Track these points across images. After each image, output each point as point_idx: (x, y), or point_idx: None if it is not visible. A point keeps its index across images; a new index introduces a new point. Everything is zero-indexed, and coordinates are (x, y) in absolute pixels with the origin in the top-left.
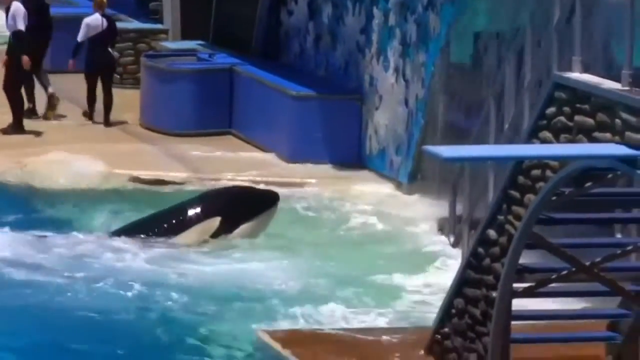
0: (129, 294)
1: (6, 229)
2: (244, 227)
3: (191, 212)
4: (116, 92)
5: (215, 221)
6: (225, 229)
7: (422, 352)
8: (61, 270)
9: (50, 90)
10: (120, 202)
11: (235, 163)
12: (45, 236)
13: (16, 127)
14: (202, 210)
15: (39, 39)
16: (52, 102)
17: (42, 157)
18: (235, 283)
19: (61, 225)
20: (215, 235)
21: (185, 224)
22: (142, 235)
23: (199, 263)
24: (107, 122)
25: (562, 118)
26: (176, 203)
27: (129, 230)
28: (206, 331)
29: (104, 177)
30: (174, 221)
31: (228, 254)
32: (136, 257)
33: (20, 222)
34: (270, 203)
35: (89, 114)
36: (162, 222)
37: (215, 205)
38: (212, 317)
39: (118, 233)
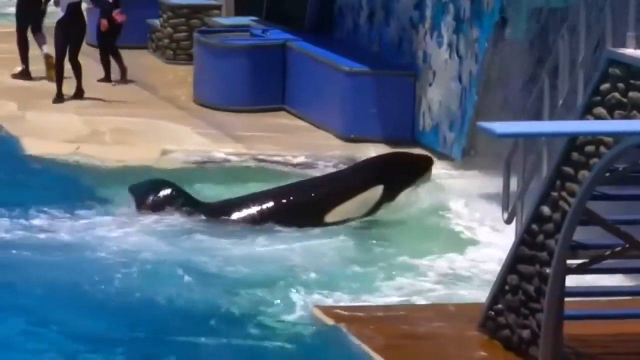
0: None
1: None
2: (404, 194)
3: (348, 182)
4: (170, 68)
5: (378, 189)
6: (387, 196)
7: (475, 328)
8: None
9: (45, 50)
10: (174, 180)
11: (288, 139)
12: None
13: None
14: (361, 180)
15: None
16: (48, 61)
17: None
18: (288, 262)
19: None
20: (378, 204)
21: (345, 195)
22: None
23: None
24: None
25: (616, 94)
26: (316, 176)
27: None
28: (260, 308)
29: (158, 153)
30: (327, 194)
31: (275, 231)
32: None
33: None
34: (426, 167)
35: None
36: (309, 196)
37: (375, 174)
38: (266, 294)
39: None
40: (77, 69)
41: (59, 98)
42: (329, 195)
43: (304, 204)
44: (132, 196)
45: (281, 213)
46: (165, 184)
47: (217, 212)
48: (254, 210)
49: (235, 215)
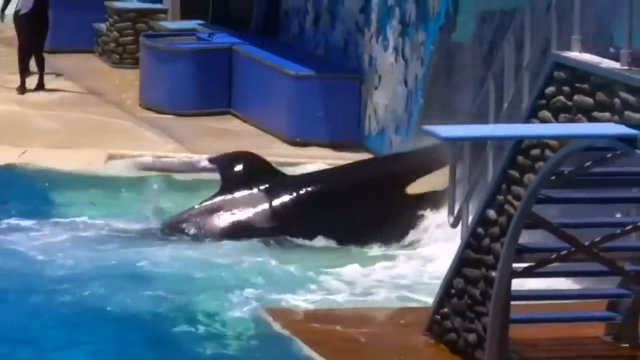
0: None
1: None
2: None
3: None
4: (116, 72)
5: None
6: None
7: (421, 332)
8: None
9: None
10: (120, 185)
11: (234, 142)
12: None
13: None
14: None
15: None
16: None
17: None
18: (238, 265)
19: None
20: None
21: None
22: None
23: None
24: None
25: (562, 97)
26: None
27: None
28: (209, 312)
29: (103, 158)
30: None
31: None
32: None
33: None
34: None
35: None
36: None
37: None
38: (214, 297)
39: None
40: (42, 62)
41: (22, 89)
42: (409, 168)
43: (385, 176)
44: (217, 167)
45: (362, 185)
46: (250, 155)
47: (302, 183)
48: (335, 182)
49: (319, 187)
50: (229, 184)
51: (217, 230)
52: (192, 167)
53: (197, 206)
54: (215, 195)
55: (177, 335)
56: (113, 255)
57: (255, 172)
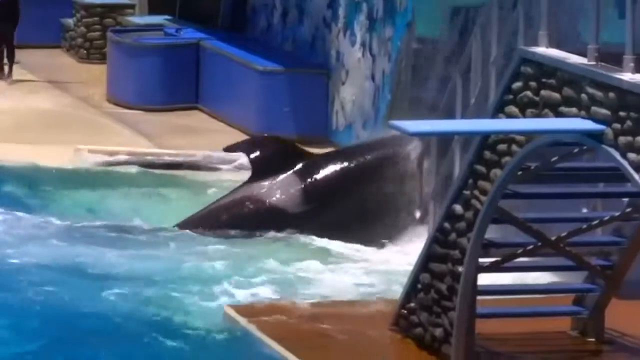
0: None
1: None
2: None
3: None
4: (83, 67)
5: None
6: None
7: (387, 326)
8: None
9: None
10: (87, 179)
11: (201, 138)
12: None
13: None
14: None
15: None
16: None
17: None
18: (201, 262)
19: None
20: None
21: None
22: None
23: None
24: None
25: (529, 93)
26: None
27: None
28: (173, 310)
29: (70, 152)
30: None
31: (188, 235)
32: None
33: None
34: None
35: None
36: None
37: None
38: (179, 296)
39: None
40: (13, 53)
41: None
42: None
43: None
44: (243, 152)
45: (379, 161)
46: (277, 140)
47: (329, 161)
48: (355, 161)
49: (340, 165)
50: (260, 169)
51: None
52: (218, 161)
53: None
54: (248, 182)
55: (142, 332)
56: (75, 252)
57: (284, 155)
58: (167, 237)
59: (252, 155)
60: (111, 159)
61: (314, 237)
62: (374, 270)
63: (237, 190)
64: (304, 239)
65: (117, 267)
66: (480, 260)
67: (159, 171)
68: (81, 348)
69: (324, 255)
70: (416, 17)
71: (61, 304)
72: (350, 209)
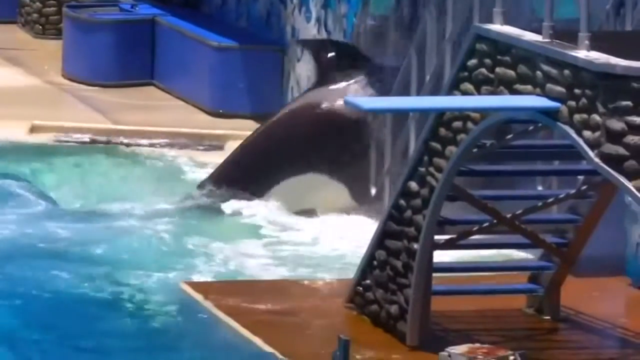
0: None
1: None
2: None
3: None
4: (39, 43)
5: None
6: None
7: (343, 303)
8: None
9: None
10: (43, 156)
11: (156, 114)
12: None
13: None
14: None
15: None
16: None
17: None
18: (154, 239)
19: None
20: None
21: None
22: None
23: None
24: None
25: (483, 70)
26: None
27: None
28: (128, 285)
29: (26, 128)
30: None
31: (145, 212)
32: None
33: None
34: None
35: None
36: None
37: None
38: (135, 272)
39: None
40: None
41: None
42: None
43: None
44: (308, 50)
45: None
46: (345, 44)
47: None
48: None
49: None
50: (326, 72)
51: None
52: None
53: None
54: (315, 87)
55: (98, 312)
56: (27, 230)
57: (351, 62)
58: (121, 213)
59: (319, 55)
60: (66, 135)
61: None
62: (325, 248)
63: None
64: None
65: (74, 244)
66: (436, 237)
67: (114, 147)
68: (31, 328)
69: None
70: None
71: (10, 283)
72: None
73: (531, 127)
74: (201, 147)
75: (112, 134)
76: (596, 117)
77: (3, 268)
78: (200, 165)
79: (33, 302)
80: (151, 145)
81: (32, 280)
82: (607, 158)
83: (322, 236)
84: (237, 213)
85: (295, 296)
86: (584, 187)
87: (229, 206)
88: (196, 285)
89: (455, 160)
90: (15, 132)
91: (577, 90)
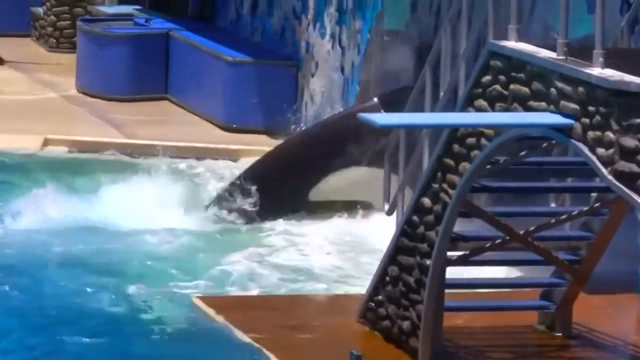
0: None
1: None
2: None
3: None
4: (53, 56)
5: None
6: None
7: (355, 318)
8: None
9: None
10: (56, 169)
11: (170, 128)
12: None
13: None
14: None
15: None
16: None
17: None
18: (170, 253)
19: None
20: None
21: None
22: None
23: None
24: None
25: (498, 86)
26: None
27: None
28: (141, 300)
29: (39, 142)
30: None
31: (160, 226)
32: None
33: None
34: None
35: None
36: None
37: None
38: (147, 286)
39: None
40: None
41: None
42: None
43: None
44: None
45: None
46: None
47: None
48: None
49: None
50: None
51: None
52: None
53: None
54: None
55: (112, 326)
56: (43, 242)
57: None
58: (133, 226)
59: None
60: (80, 148)
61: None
62: (338, 264)
63: None
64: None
65: (85, 257)
66: (448, 253)
67: (129, 159)
68: (44, 340)
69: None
70: (385, 10)
71: (26, 295)
72: None
73: (545, 144)
74: (215, 161)
75: (126, 148)
76: (610, 135)
77: (11, 278)
78: (216, 179)
79: (40, 315)
80: (165, 158)
81: (41, 292)
82: (620, 175)
83: (338, 249)
84: (254, 226)
85: (308, 311)
86: (596, 204)
87: (245, 218)
88: (208, 300)
89: (468, 177)
90: (28, 145)
91: (591, 108)
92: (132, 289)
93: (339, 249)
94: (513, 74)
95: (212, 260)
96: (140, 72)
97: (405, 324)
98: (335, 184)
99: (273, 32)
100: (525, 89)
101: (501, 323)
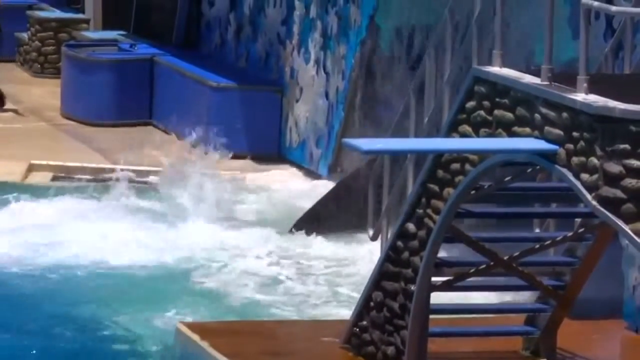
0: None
1: None
2: None
3: None
4: (37, 82)
5: None
6: None
7: (339, 344)
8: None
9: None
10: (39, 194)
11: (155, 154)
12: None
13: None
14: None
15: None
16: None
17: None
18: (153, 274)
19: None
20: None
21: None
22: None
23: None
24: None
25: (482, 112)
26: None
27: None
28: (124, 324)
29: (23, 168)
30: None
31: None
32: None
33: None
34: None
35: None
36: None
37: None
38: (131, 310)
39: None
40: None
41: None
42: None
43: None
44: None
45: None
46: None
47: None
48: None
49: None
50: None
51: None
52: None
53: None
54: None
55: (93, 352)
56: (21, 267)
57: None
58: (114, 251)
59: None
60: (64, 174)
61: None
62: (322, 288)
63: None
64: None
65: (62, 284)
66: (433, 279)
67: (112, 185)
68: None
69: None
70: (370, 35)
71: (8, 321)
72: None
73: (529, 170)
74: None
75: (110, 173)
76: (594, 160)
77: None
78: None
79: (16, 344)
80: (148, 183)
81: (16, 320)
82: (604, 201)
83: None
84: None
85: (293, 336)
86: (581, 230)
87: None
88: (192, 326)
89: (453, 202)
90: (12, 171)
91: (575, 133)
92: (112, 315)
93: None
94: (497, 99)
95: (195, 284)
96: (125, 98)
97: (390, 350)
98: None
99: (258, 58)
100: (510, 115)
101: (486, 348)
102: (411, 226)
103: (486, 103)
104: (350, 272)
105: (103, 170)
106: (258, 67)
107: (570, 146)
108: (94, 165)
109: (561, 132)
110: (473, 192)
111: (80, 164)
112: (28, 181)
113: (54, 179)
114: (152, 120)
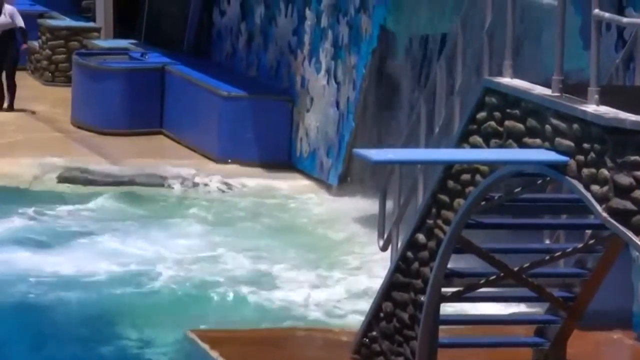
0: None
1: None
2: None
3: None
4: (48, 90)
5: None
6: None
7: (349, 354)
8: None
9: None
10: (48, 201)
11: (165, 163)
12: None
13: None
14: None
15: None
16: None
17: None
18: (162, 286)
19: None
20: None
21: None
22: None
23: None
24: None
25: (493, 123)
26: None
27: None
28: (134, 332)
29: (32, 174)
30: None
31: (146, 248)
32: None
33: None
34: None
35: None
36: None
37: None
38: (140, 317)
39: None
40: (14, 85)
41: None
42: None
43: None
44: None
45: None
46: None
47: None
48: None
49: None
50: None
51: None
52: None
53: None
54: None
55: (99, 355)
56: (36, 271)
57: None
58: (123, 258)
59: None
60: (73, 181)
61: None
62: (331, 299)
63: None
64: None
65: (68, 290)
66: (443, 289)
67: (120, 189)
68: None
69: (278, 280)
70: (381, 45)
71: (10, 335)
72: None
73: (540, 181)
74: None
75: (119, 178)
76: (604, 172)
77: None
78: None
79: (25, 355)
80: (158, 188)
81: (25, 332)
82: (615, 212)
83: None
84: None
85: (303, 346)
86: (591, 241)
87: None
88: (203, 334)
89: (463, 213)
90: (23, 177)
91: (585, 145)
92: (121, 323)
93: None
94: (508, 110)
95: (205, 292)
96: (136, 106)
97: None
98: None
99: (268, 67)
100: (520, 126)
101: (495, 358)
102: (421, 237)
103: (497, 114)
104: None
105: (112, 175)
106: (269, 76)
107: (581, 157)
108: (102, 169)
109: (572, 144)
110: (483, 202)
111: (91, 172)
112: (38, 187)
113: (64, 185)
114: (163, 129)
